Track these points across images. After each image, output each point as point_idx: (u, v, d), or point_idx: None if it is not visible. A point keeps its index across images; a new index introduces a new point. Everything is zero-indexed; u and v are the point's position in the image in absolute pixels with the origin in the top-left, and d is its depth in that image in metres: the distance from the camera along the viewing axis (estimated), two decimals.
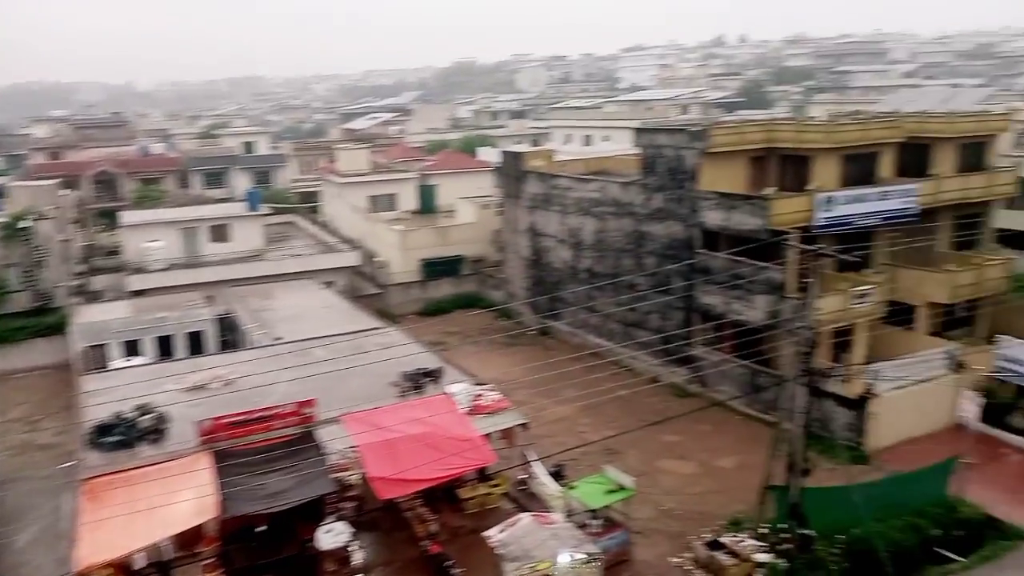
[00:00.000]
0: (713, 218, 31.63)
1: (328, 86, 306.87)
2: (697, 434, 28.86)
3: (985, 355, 29.18)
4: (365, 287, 47.45)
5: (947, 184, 32.83)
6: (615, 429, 26.78)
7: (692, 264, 32.42)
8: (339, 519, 20.57)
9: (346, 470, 22.01)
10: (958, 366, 28.78)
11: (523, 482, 24.50)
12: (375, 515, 22.64)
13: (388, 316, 41.11)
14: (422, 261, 48.69)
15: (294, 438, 21.61)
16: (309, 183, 69.27)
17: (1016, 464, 26.45)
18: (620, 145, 60.11)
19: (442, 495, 23.45)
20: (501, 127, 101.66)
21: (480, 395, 24.12)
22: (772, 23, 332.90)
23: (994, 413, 27.25)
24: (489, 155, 64.31)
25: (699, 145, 31.80)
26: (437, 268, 48.87)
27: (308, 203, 64.67)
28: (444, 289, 48.24)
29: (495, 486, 24.09)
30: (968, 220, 34.77)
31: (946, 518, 21.95)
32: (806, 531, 20.42)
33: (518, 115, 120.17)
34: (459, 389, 24.25)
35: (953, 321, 33.32)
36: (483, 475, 24.08)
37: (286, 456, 20.66)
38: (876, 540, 20.12)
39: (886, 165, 32.89)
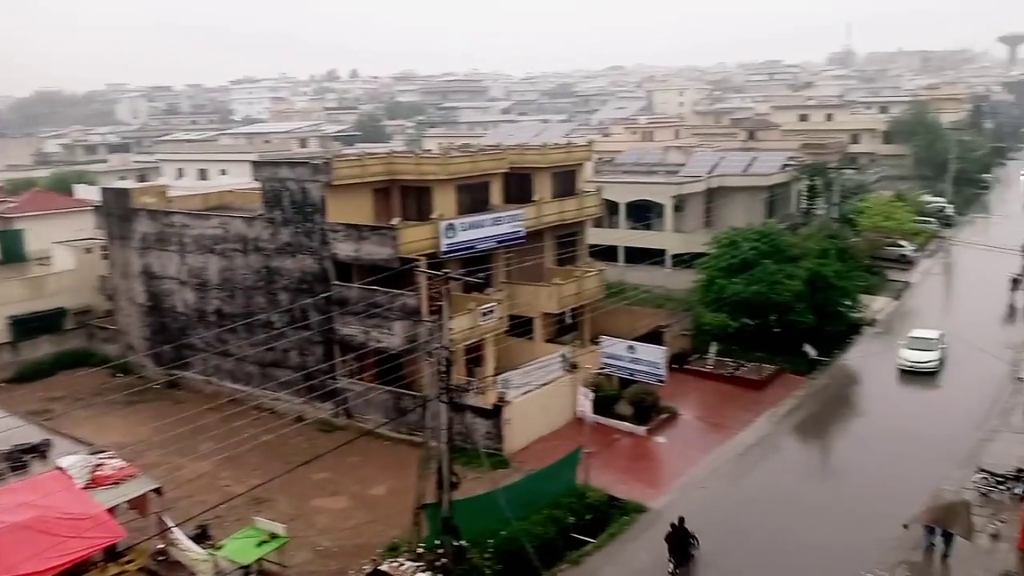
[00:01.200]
0: (345, 250, 31.74)
1: None
2: (347, 467, 28.55)
3: (592, 355, 33.19)
4: None
5: (547, 208, 36.98)
6: (260, 477, 25.33)
7: (328, 296, 32.14)
8: None
9: None
10: (572, 367, 32.30)
11: (163, 552, 22.13)
12: None
13: None
14: (11, 319, 41.85)
15: None
16: None
17: (625, 447, 30.40)
18: (239, 179, 57.77)
19: None
20: (101, 162, 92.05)
21: (100, 464, 21.51)
22: (381, 60, 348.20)
23: (604, 404, 30.98)
24: (88, 193, 57.51)
25: (323, 178, 31.72)
26: (31, 325, 42.30)
27: None
28: (43, 348, 41.96)
29: (128, 563, 21.39)
30: (567, 239, 39.47)
31: (578, 505, 24.45)
32: (460, 542, 21.26)
33: (119, 148, 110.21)
34: (73, 461, 21.33)
35: (564, 328, 37.57)
36: (112, 553, 21.23)
37: None
38: (522, 537, 21.61)
39: (496, 193, 35.92)
